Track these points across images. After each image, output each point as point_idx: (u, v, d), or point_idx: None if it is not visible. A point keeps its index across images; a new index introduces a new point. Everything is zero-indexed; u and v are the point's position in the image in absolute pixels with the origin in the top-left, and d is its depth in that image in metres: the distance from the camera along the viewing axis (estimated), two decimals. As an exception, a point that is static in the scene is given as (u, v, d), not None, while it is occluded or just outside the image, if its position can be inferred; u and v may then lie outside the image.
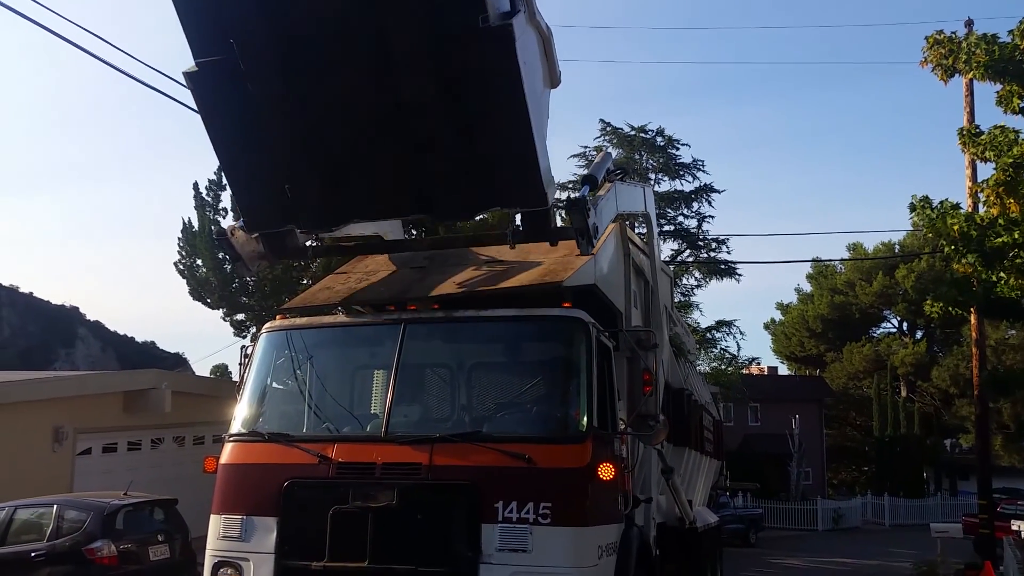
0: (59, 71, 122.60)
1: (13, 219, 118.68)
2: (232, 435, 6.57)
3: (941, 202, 12.82)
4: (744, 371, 40.68)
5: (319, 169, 6.26)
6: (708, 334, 34.67)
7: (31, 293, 73.51)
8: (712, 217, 35.91)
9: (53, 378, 18.88)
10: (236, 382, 7.16)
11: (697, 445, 11.91)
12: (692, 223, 35.29)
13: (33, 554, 10.70)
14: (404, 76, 5.59)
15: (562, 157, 48.44)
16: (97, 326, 73.67)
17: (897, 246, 50.90)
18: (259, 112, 5.98)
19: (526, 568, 5.33)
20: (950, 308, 13.63)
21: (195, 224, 20.67)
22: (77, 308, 74.77)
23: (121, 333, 73.71)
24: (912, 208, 13.00)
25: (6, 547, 10.90)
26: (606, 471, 5.91)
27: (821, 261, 52.16)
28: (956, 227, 12.30)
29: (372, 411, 6.76)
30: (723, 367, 35.39)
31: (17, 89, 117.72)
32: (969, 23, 16.16)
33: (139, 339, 73.66)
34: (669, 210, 34.99)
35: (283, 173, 6.31)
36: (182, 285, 21.05)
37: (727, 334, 35.42)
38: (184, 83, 6.17)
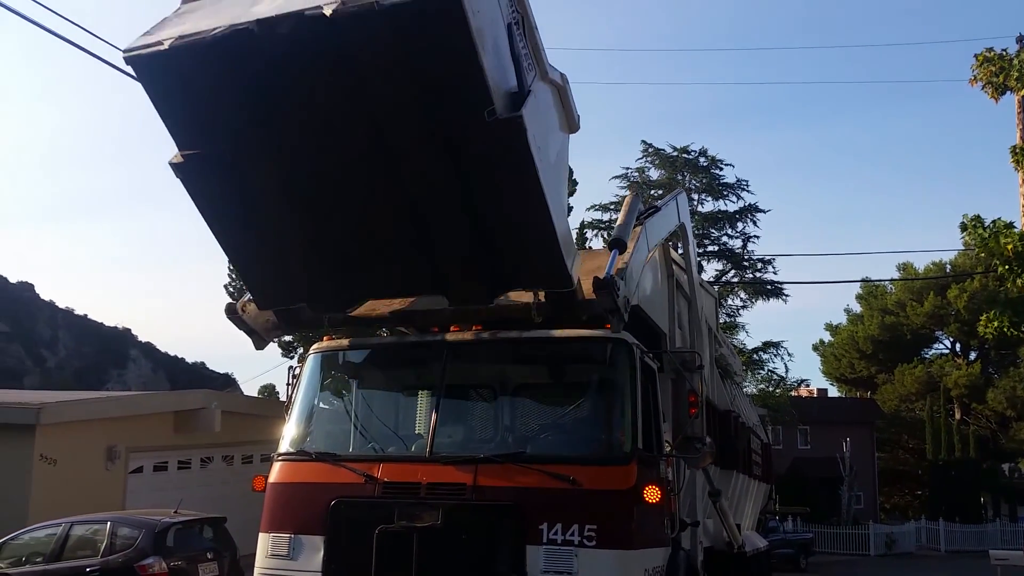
0: (124, 95, 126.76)
1: (71, 244, 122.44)
2: (280, 454, 6.67)
3: (994, 221, 12.52)
4: (793, 393, 40.00)
5: (328, 250, 5.91)
6: (755, 355, 34.20)
7: (86, 315, 75.68)
8: (757, 237, 35.63)
9: (106, 398, 19.33)
10: (284, 402, 7.26)
11: (745, 468, 11.76)
12: (737, 243, 34.99)
13: (88, 569, 10.94)
14: (408, 165, 5.24)
15: (604, 178, 48.43)
16: (148, 347, 75.46)
17: (948, 266, 49.77)
18: (256, 196, 5.60)
19: None
20: (1005, 329, 13.26)
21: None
22: (129, 330, 76.69)
23: (172, 354, 75.39)
24: (963, 228, 12.71)
25: (62, 562, 11.17)
26: (652, 493, 5.87)
27: (871, 281, 51.25)
28: (1010, 246, 12.01)
29: (417, 431, 6.81)
30: (771, 389, 34.86)
31: (80, 113, 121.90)
32: (1021, 39, 15.86)
33: (189, 360, 75.25)
34: (713, 230, 34.73)
35: (289, 254, 5.93)
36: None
37: (774, 355, 34.92)
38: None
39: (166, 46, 4.69)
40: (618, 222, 6.63)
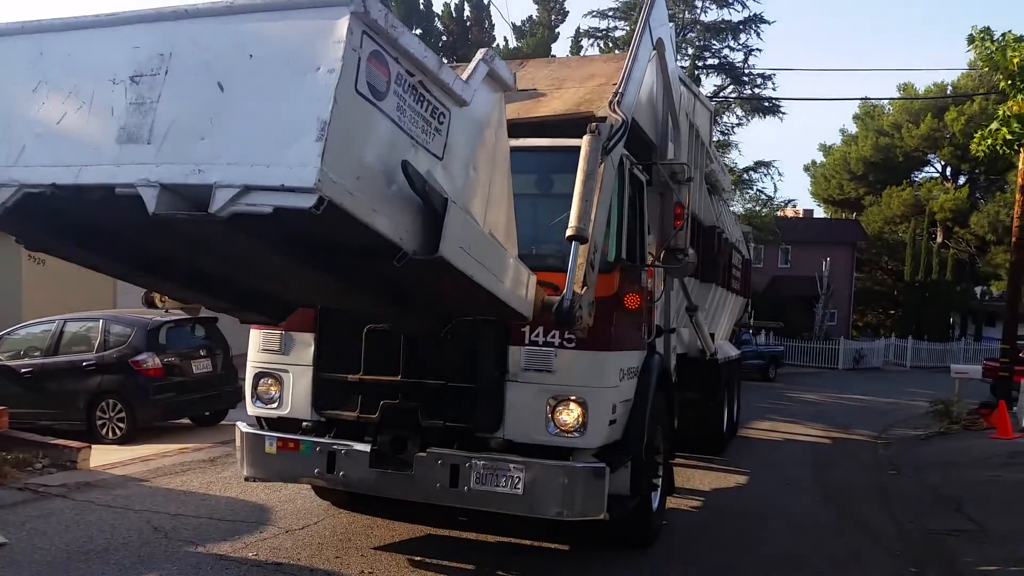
0: None
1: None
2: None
3: (1003, 34, 12.08)
4: (779, 213, 40.28)
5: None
6: (745, 175, 34.09)
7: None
8: (759, 51, 34.76)
9: None
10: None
11: (724, 282, 12.02)
12: (738, 57, 33.86)
13: (84, 364, 11.34)
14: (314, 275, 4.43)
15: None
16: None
17: (950, 87, 48.71)
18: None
19: (549, 387, 5.53)
20: (998, 147, 13.06)
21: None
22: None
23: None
24: (971, 40, 12.26)
25: (59, 356, 11.56)
26: (632, 300, 6.03)
27: (869, 99, 50.52)
28: (1016, 60, 11.63)
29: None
30: (758, 208, 35.05)
31: None
32: None
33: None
34: (715, 42, 33.54)
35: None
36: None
37: (765, 175, 34.84)
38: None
39: None
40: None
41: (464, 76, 4.15)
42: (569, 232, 4.83)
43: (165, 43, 3.62)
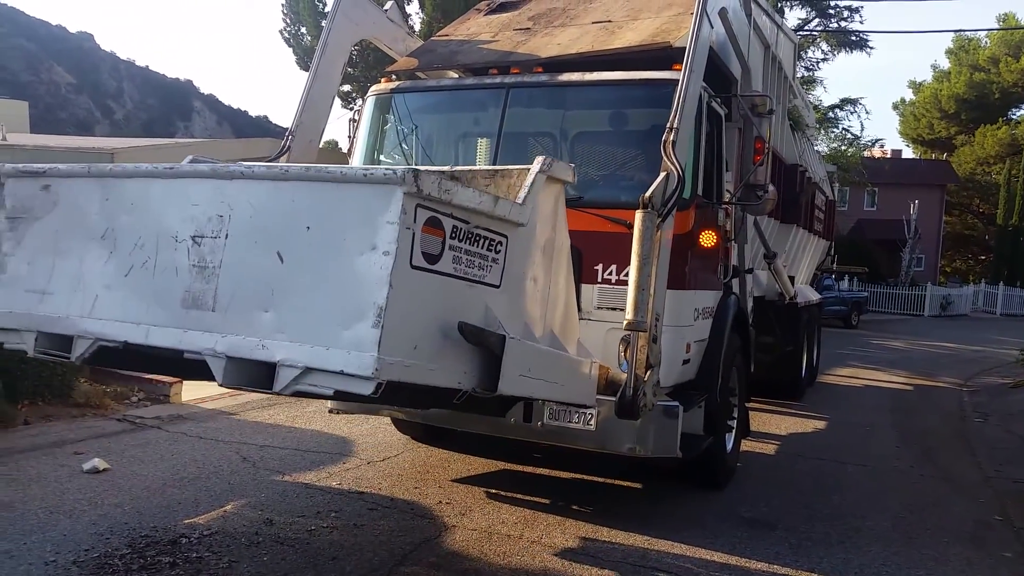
0: None
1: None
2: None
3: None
4: (865, 153, 38.68)
5: None
6: (831, 112, 32.71)
7: (147, 66, 75.61)
8: (847, -21, 32.65)
9: (175, 143, 19.79)
10: (347, 152, 7.31)
11: (806, 223, 11.66)
12: (824, -12, 32.21)
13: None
14: None
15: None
16: (212, 99, 75.86)
17: (1057, 16, 45.52)
18: None
19: (622, 325, 5.50)
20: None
21: (298, -11, 20.32)
22: (191, 81, 76.84)
23: (235, 107, 75.77)
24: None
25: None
26: (707, 238, 5.92)
27: (965, 31, 47.59)
28: None
29: (476, 177, 6.81)
30: (843, 148, 33.69)
31: None
32: None
33: (252, 113, 75.70)
34: (799, -28, 31.91)
35: None
36: (289, 55, 21.15)
37: (851, 112, 33.29)
38: None
39: None
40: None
41: (520, 195, 4.02)
42: (626, 324, 4.71)
43: (223, 204, 3.63)
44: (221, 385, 3.50)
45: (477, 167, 4.88)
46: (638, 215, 4.79)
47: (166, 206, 3.83)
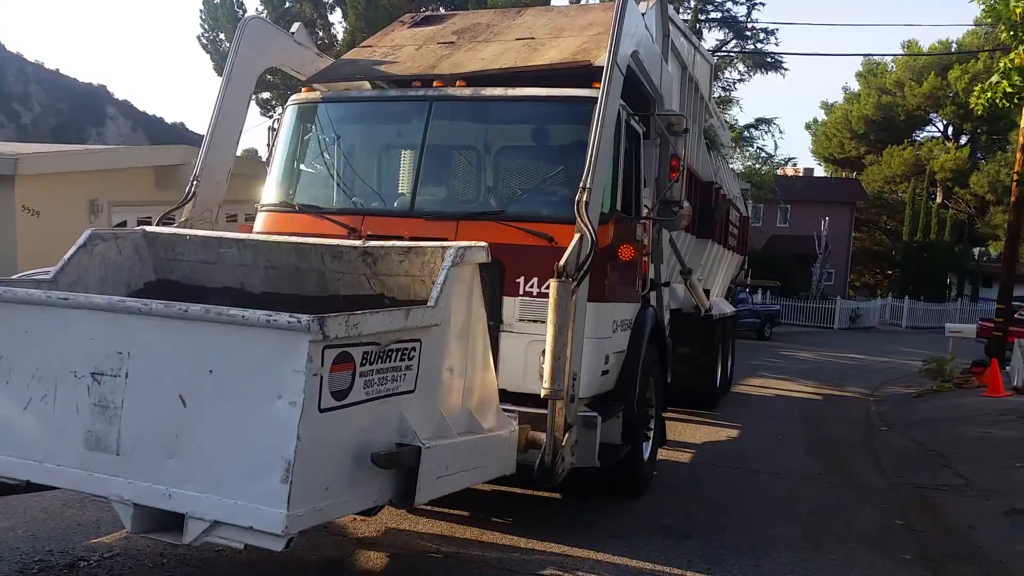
0: None
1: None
2: (264, 205, 6.71)
3: (1006, -17, 11.84)
4: (779, 171, 40.07)
5: None
6: (746, 132, 33.79)
7: (57, 70, 72.65)
8: (763, 4, 33.92)
9: (85, 151, 19.04)
10: (265, 162, 7.19)
11: (721, 239, 12.01)
12: (741, 11, 33.36)
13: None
14: None
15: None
16: (126, 105, 73.24)
17: (954, 44, 48.16)
18: None
19: (542, 337, 5.55)
20: (998, 100, 12.79)
21: (217, -5, 19.92)
22: (105, 87, 74.05)
23: (151, 113, 73.41)
24: (974, -10, 12.04)
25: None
26: (626, 252, 6.04)
27: (872, 55, 49.98)
28: (1019, 10, 11.33)
29: (399, 189, 6.81)
30: (757, 166, 34.83)
31: None
32: None
33: (168, 120, 73.51)
34: (717, -6, 32.97)
35: None
36: (207, 62, 20.69)
37: (765, 132, 34.49)
38: None
39: None
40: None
41: (432, 296, 3.95)
42: (544, 394, 4.79)
43: (123, 341, 3.47)
44: (130, 532, 3.39)
45: (389, 243, 4.78)
46: (552, 284, 4.77)
47: (63, 338, 3.59)
